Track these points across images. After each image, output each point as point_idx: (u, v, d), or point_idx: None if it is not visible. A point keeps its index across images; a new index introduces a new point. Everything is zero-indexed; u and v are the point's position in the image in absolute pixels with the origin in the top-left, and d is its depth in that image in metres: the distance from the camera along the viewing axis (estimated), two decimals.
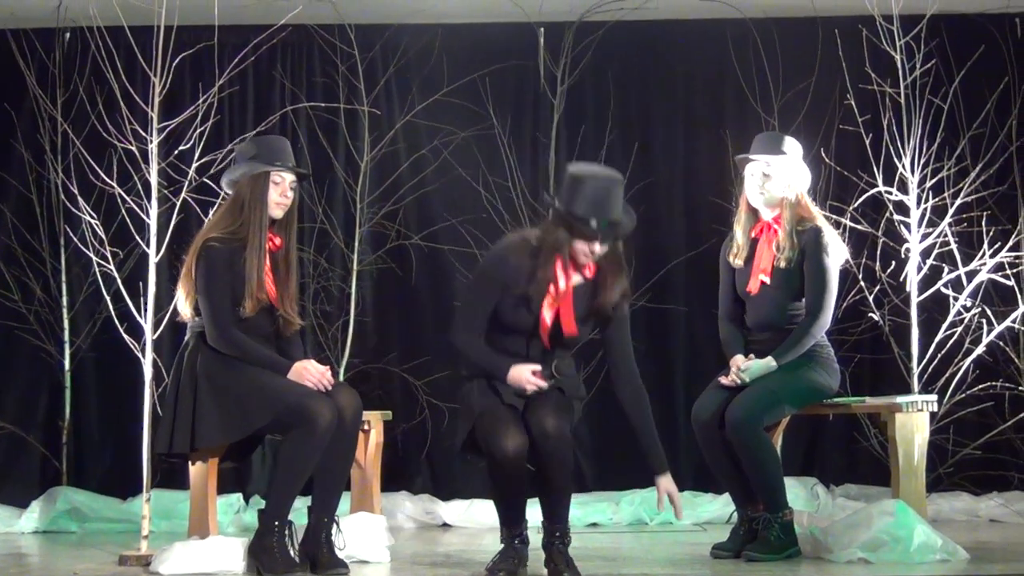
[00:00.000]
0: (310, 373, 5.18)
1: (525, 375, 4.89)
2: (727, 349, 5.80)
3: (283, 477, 5.13)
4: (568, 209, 4.86)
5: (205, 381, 5.22)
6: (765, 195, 5.77)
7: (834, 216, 7.00)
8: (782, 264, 5.70)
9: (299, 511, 5.21)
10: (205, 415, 5.19)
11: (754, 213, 5.83)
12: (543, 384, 4.89)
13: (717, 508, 7.30)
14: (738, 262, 5.82)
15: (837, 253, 5.75)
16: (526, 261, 4.95)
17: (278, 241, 5.37)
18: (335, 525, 5.19)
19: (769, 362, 5.61)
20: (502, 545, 5.08)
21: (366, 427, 5.91)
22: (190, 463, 5.46)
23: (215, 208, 5.99)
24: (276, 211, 5.37)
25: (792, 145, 5.84)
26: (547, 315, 4.96)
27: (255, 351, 5.23)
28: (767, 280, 5.72)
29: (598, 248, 4.91)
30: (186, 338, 5.41)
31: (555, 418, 4.81)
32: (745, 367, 5.61)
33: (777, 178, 5.76)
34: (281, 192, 5.38)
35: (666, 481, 5.01)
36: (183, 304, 5.37)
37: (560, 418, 4.84)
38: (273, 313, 5.37)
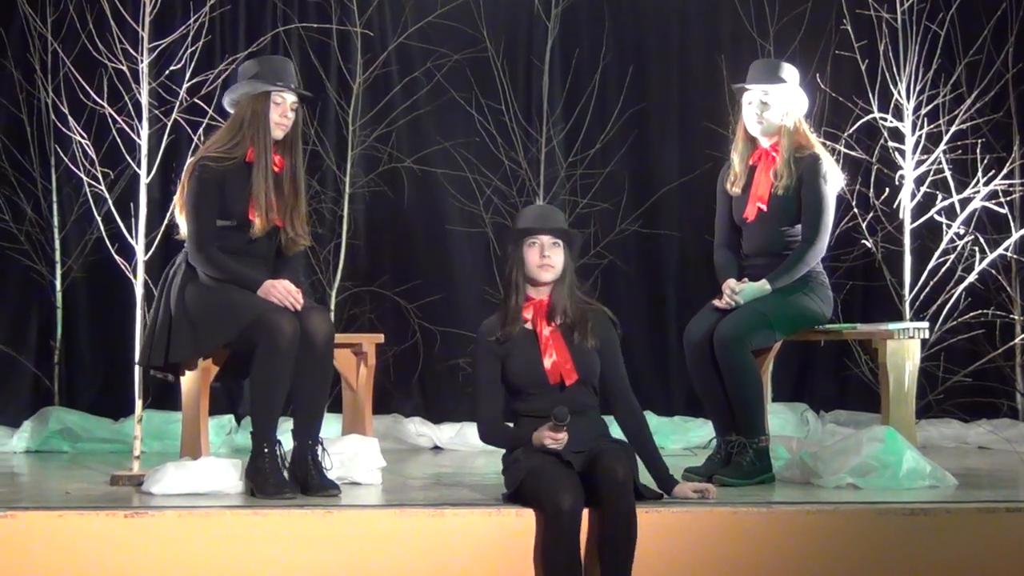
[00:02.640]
0: (276, 290, 5.16)
1: (543, 434, 4.76)
2: (721, 275, 5.77)
3: (257, 397, 5.12)
4: (513, 230, 4.95)
5: (181, 297, 5.25)
6: (763, 124, 5.72)
7: (829, 143, 6.96)
8: (779, 191, 5.67)
9: (288, 433, 5.21)
10: (178, 330, 5.23)
11: (752, 141, 5.79)
12: (562, 437, 4.74)
13: (708, 433, 7.31)
14: (736, 190, 5.79)
15: (834, 180, 5.72)
16: (498, 322, 4.93)
17: (278, 160, 5.34)
18: (320, 447, 5.20)
19: (763, 285, 5.59)
20: None
21: (358, 351, 5.91)
22: (180, 377, 5.49)
23: (202, 127, 5.97)
24: (276, 132, 5.33)
25: (790, 72, 5.77)
26: (547, 362, 4.88)
27: (231, 268, 5.22)
28: (764, 207, 5.69)
29: (549, 254, 4.84)
30: (177, 256, 5.40)
31: (624, 467, 4.63)
32: (739, 289, 5.59)
33: (775, 106, 5.71)
34: (282, 113, 5.33)
35: (683, 488, 4.92)
36: (181, 220, 5.36)
37: (629, 467, 4.68)
38: (274, 235, 5.36)
